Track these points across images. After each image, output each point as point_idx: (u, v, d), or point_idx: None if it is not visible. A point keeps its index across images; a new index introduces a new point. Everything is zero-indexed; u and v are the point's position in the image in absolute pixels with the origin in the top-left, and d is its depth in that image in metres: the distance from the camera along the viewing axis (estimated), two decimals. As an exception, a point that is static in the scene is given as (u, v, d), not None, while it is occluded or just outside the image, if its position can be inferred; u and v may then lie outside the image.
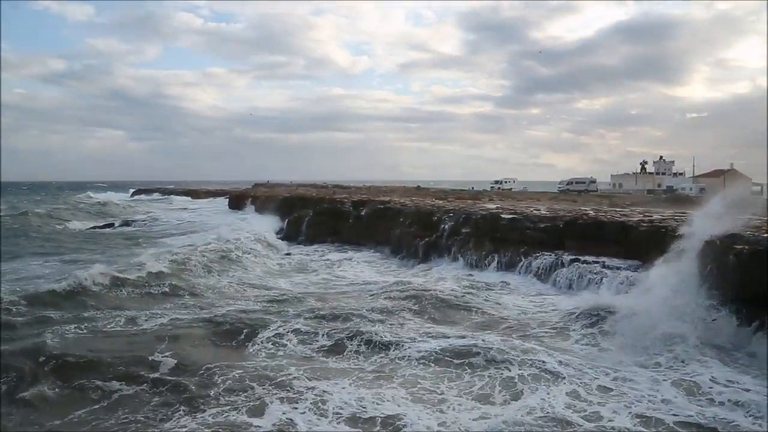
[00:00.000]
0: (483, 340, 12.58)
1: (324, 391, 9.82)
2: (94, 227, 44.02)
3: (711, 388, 10.10)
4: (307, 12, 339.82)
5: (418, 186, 61.01)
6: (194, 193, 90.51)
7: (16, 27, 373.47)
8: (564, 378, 10.53)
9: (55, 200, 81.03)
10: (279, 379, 10.35)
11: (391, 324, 14.30)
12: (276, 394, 9.72)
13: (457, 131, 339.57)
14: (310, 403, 9.37)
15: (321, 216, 35.60)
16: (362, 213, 33.42)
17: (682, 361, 11.36)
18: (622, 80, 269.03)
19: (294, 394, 9.72)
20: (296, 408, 9.22)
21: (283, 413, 9.01)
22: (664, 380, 10.49)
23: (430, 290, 18.16)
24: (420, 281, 20.53)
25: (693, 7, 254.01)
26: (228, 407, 9.17)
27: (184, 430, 8.42)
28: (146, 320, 13.99)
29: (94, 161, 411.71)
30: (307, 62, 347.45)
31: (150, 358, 11.01)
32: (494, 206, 29.81)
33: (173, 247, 26.90)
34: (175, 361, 10.94)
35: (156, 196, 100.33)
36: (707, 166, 71.10)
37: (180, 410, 9.04)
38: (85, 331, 12.85)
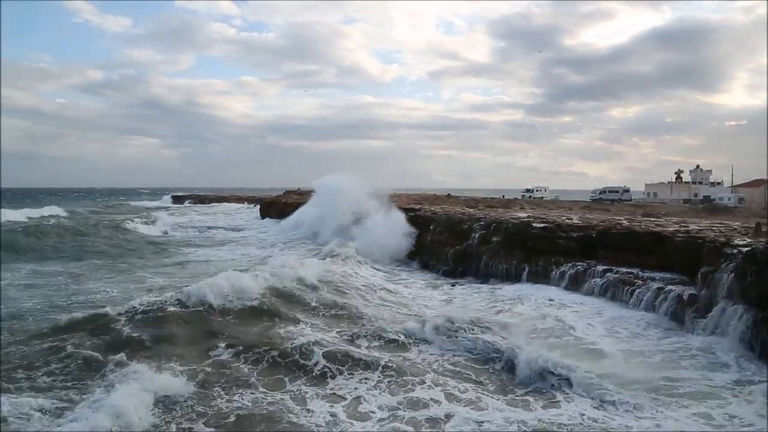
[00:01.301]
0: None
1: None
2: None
3: None
4: (338, 21, 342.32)
5: (449, 194, 60.72)
6: (243, 200, 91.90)
7: (58, 39, 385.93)
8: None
9: (120, 206, 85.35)
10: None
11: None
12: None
13: (488, 139, 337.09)
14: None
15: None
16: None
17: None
18: (657, 88, 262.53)
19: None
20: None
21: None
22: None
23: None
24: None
25: (732, 11, 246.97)
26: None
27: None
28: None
29: (129, 168, 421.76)
30: (338, 70, 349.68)
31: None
32: (525, 215, 29.56)
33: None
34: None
35: (187, 203, 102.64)
36: (746, 176, 68.96)
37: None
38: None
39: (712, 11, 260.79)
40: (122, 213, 67.43)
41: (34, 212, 58.93)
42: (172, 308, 14.49)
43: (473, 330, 14.10)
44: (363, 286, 21.15)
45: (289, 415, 9.58)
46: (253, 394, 10.32)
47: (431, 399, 10.37)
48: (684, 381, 11.42)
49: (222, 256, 30.37)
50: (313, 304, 17.26)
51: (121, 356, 11.18)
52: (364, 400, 10.36)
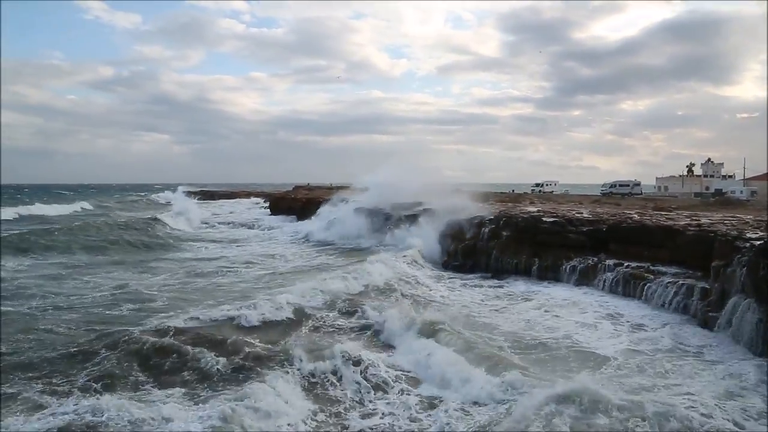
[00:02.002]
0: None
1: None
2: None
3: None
4: (347, 16, 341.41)
5: (458, 189, 60.60)
6: (252, 195, 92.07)
7: (69, 37, 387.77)
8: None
9: (140, 201, 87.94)
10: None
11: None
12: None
13: (498, 133, 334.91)
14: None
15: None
16: (402, 215, 33.57)
17: None
18: (668, 80, 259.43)
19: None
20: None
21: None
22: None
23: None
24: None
25: (743, 3, 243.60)
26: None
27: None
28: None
29: (140, 164, 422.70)
30: (347, 66, 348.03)
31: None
32: (535, 209, 29.48)
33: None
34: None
35: (196, 199, 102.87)
36: (759, 168, 68.04)
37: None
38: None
39: (723, 3, 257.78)
40: (147, 209, 68.64)
41: (69, 207, 61.89)
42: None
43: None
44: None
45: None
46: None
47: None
48: (680, 378, 11.28)
49: (248, 255, 30.41)
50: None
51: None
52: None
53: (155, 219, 43.65)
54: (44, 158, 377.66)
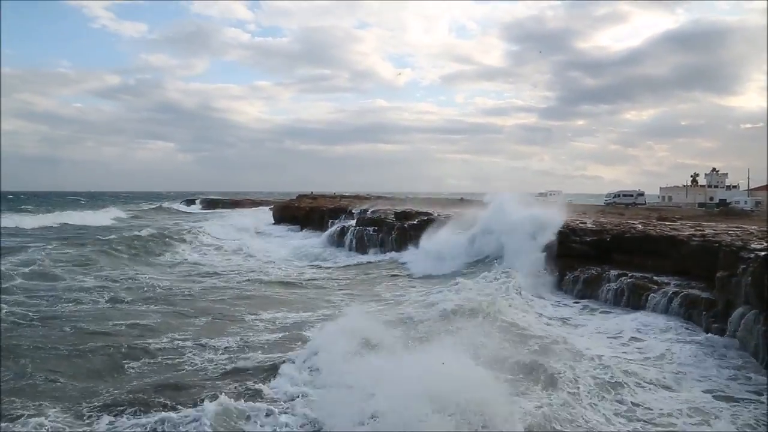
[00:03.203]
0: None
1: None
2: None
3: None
4: (351, 25, 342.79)
5: (462, 198, 60.78)
6: (260, 203, 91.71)
7: (76, 45, 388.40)
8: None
9: (161, 210, 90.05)
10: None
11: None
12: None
13: (502, 143, 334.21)
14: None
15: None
16: (406, 224, 33.62)
17: None
18: (672, 90, 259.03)
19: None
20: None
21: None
22: None
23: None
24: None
25: (747, 13, 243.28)
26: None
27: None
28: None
29: (146, 172, 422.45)
30: (351, 75, 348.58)
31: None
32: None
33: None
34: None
35: (195, 206, 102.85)
36: (763, 179, 67.85)
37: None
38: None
39: (726, 13, 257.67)
40: (173, 217, 71.05)
41: (105, 216, 65.33)
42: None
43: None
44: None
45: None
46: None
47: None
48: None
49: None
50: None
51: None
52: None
53: (200, 230, 43.76)
54: (50, 166, 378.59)
